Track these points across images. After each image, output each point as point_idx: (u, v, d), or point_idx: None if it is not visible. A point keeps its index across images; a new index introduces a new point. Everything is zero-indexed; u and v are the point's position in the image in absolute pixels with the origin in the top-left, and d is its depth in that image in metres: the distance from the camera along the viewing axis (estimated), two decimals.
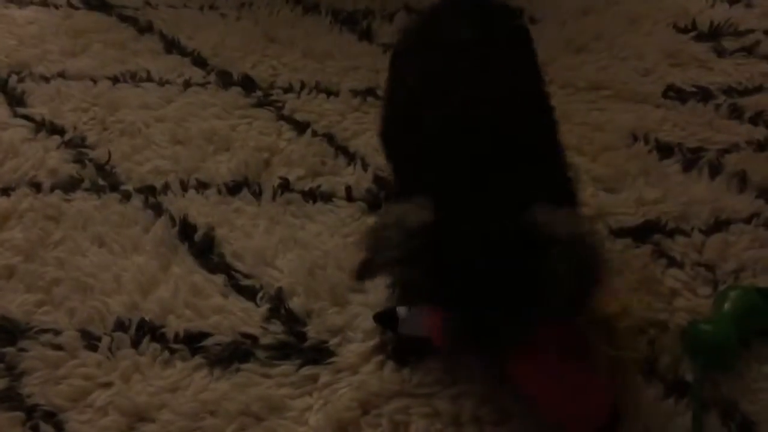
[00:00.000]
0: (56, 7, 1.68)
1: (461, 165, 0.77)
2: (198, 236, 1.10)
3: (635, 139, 1.26)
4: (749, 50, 1.48)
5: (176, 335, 0.96)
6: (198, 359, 0.94)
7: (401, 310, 0.90)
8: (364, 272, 0.78)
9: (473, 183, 0.76)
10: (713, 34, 1.52)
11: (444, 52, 0.91)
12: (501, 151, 0.77)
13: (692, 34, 1.52)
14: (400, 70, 1.00)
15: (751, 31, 1.53)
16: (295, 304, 1.00)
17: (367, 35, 1.58)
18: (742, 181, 1.16)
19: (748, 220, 1.10)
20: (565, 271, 0.70)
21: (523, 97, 0.88)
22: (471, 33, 0.92)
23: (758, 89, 1.37)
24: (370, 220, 1.12)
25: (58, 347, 0.95)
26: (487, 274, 0.71)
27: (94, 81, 1.44)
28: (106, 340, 0.96)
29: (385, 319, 0.92)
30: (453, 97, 0.84)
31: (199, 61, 1.50)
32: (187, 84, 1.43)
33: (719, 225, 1.09)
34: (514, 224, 0.71)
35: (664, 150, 1.23)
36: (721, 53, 1.47)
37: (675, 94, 1.37)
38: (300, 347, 0.95)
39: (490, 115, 0.81)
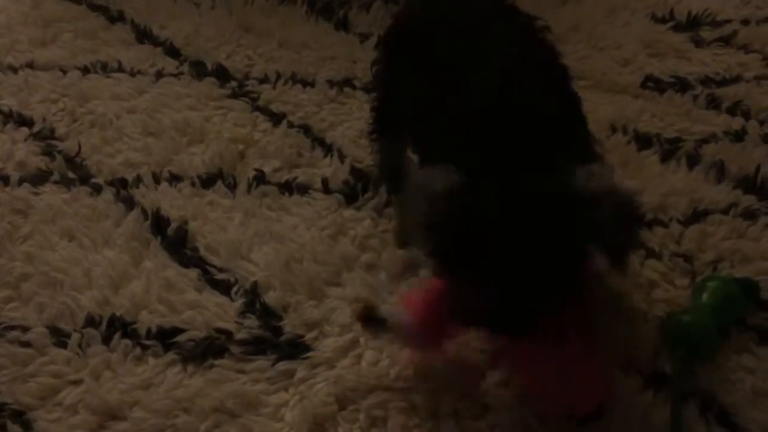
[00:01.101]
0: None
1: (493, 132, 0.75)
2: (171, 230, 1.08)
3: (614, 130, 1.25)
4: (727, 40, 1.47)
5: (149, 331, 0.94)
6: (171, 355, 0.92)
7: (386, 310, 0.87)
8: (401, 243, 0.74)
9: (504, 147, 0.74)
10: (691, 24, 1.52)
11: (470, 23, 0.90)
12: (532, 119, 0.75)
13: (670, 24, 1.52)
14: (418, 40, 0.96)
15: (729, 21, 1.53)
16: (271, 298, 0.99)
17: (343, 25, 1.56)
18: (720, 171, 1.16)
19: (726, 211, 1.09)
20: (611, 228, 0.70)
21: (551, 67, 0.88)
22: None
23: (736, 79, 1.37)
24: (347, 212, 1.11)
25: (27, 344, 0.93)
26: (529, 236, 0.69)
27: (64, 71, 1.41)
28: (76, 336, 0.94)
29: (368, 319, 0.87)
30: (486, 67, 0.82)
31: (172, 51, 1.47)
32: (159, 74, 1.40)
33: (697, 215, 1.09)
34: (552, 183, 0.70)
35: (643, 141, 1.23)
36: (699, 43, 1.47)
37: (653, 84, 1.36)
38: (276, 342, 0.93)
39: (524, 85, 0.79)
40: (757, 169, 1.15)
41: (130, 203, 1.13)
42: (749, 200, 1.11)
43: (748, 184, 1.14)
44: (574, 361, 0.79)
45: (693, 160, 1.18)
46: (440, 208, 0.72)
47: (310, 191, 1.15)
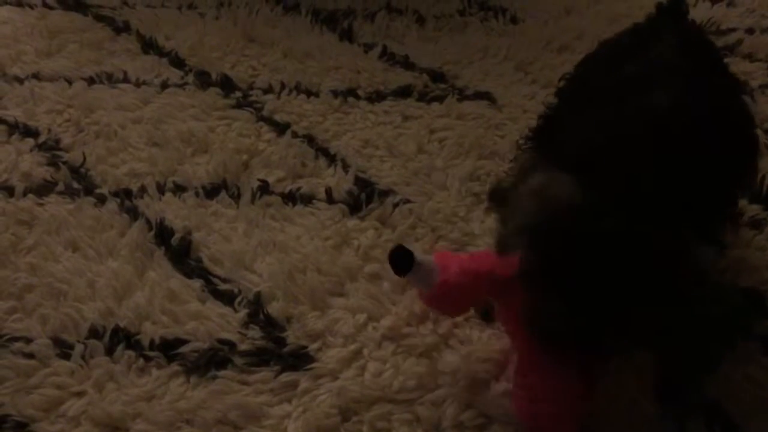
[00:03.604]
0: (31, 7, 1.65)
1: (638, 160, 0.75)
2: (175, 240, 1.08)
3: None
4: (731, 49, 1.47)
5: (152, 342, 0.94)
6: (174, 367, 0.91)
7: (420, 255, 0.85)
8: (502, 246, 0.75)
9: (644, 180, 0.73)
10: None
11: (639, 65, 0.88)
12: (680, 167, 0.74)
13: None
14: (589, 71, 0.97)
15: (733, 29, 1.53)
16: (274, 309, 0.98)
17: (348, 35, 1.56)
18: None
19: None
20: (706, 317, 0.70)
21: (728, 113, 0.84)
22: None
23: None
24: (351, 222, 1.11)
25: (30, 356, 0.93)
26: (624, 277, 0.69)
27: (69, 82, 1.41)
28: (79, 347, 0.93)
29: (400, 258, 0.84)
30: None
31: (177, 62, 1.48)
32: (164, 85, 1.41)
33: None
34: (670, 241, 0.69)
35: None
36: None
37: None
38: (279, 353, 0.93)
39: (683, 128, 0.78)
40: (763, 178, 1.14)
41: (134, 214, 1.13)
42: (755, 210, 1.11)
43: (753, 193, 1.13)
44: (568, 389, 0.79)
45: None
46: (554, 213, 0.72)
47: (314, 201, 1.15)
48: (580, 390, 0.80)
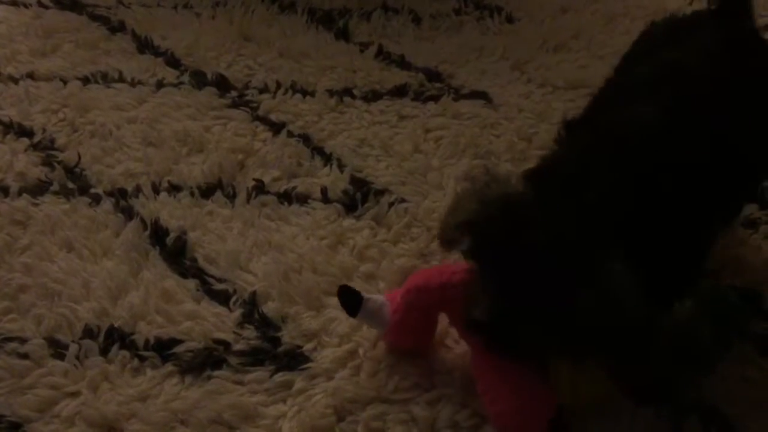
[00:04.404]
0: (26, 6, 1.65)
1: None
2: (170, 240, 1.08)
3: None
4: None
5: (146, 342, 0.94)
6: (169, 367, 0.91)
7: (369, 296, 0.88)
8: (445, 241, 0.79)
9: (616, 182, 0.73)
10: None
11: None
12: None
13: None
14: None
15: None
16: (269, 308, 0.98)
17: (344, 34, 1.56)
18: None
19: None
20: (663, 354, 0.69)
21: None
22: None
23: None
24: (347, 222, 1.11)
25: (24, 356, 0.93)
26: (551, 281, 0.70)
27: (64, 82, 1.41)
28: (73, 348, 0.93)
29: (349, 296, 0.88)
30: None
31: (173, 61, 1.47)
32: (159, 84, 1.41)
33: None
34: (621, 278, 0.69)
35: None
36: None
37: None
38: (274, 353, 0.93)
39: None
40: None
41: (129, 213, 1.12)
42: (751, 209, 1.10)
43: None
44: (525, 384, 0.79)
45: None
46: (487, 210, 0.74)
47: (310, 201, 1.15)
48: (538, 387, 0.80)
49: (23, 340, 0.94)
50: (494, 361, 0.80)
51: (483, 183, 0.77)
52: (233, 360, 0.92)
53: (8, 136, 1.28)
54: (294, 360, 0.92)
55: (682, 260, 0.74)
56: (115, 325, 0.96)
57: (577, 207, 0.72)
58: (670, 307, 0.70)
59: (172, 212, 1.13)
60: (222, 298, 1.00)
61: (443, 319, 0.91)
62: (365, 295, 0.88)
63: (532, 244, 0.71)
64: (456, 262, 0.89)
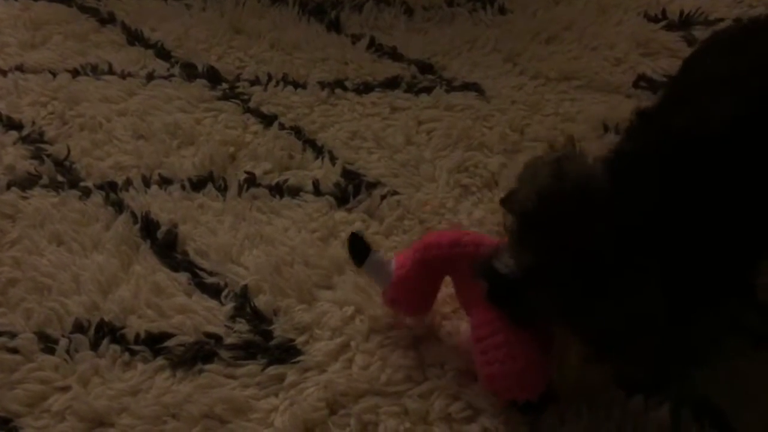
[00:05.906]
0: None
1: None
2: (161, 233, 1.07)
3: (606, 129, 1.24)
4: None
5: (137, 336, 0.93)
6: (160, 361, 0.91)
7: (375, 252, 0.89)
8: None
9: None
10: (684, 24, 1.51)
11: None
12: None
13: (663, 23, 1.51)
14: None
15: (722, 19, 1.52)
16: (261, 302, 0.98)
17: (335, 26, 1.55)
18: None
19: None
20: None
21: None
22: None
23: None
24: (339, 214, 1.10)
25: (14, 350, 0.92)
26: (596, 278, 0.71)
27: (54, 74, 1.39)
28: (63, 342, 0.93)
29: (358, 247, 0.88)
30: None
31: (163, 53, 1.46)
32: (150, 77, 1.39)
33: None
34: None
35: None
36: (691, 42, 1.46)
37: (646, 84, 1.35)
38: (266, 346, 0.93)
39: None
40: None
41: (119, 207, 1.12)
42: None
43: None
44: (521, 347, 0.80)
45: None
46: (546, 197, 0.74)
47: (301, 193, 1.14)
48: (535, 351, 0.80)
49: (13, 335, 0.94)
50: (495, 326, 0.81)
51: (559, 156, 0.77)
52: (225, 354, 0.92)
53: None
54: (286, 353, 0.92)
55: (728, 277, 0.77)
56: (106, 319, 0.95)
57: (647, 207, 0.73)
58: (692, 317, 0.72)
59: (162, 205, 1.12)
60: (213, 291, 0.99)
61: (439, 309, 0.92)
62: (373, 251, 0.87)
63: (595, 232, 0.71)
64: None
